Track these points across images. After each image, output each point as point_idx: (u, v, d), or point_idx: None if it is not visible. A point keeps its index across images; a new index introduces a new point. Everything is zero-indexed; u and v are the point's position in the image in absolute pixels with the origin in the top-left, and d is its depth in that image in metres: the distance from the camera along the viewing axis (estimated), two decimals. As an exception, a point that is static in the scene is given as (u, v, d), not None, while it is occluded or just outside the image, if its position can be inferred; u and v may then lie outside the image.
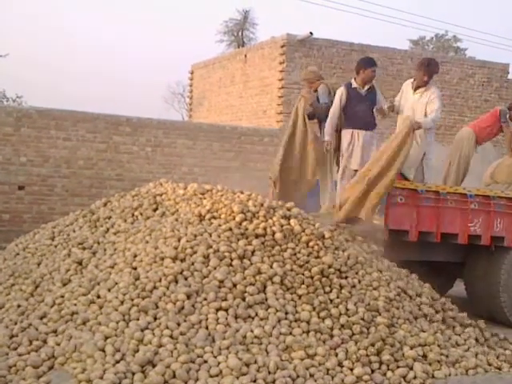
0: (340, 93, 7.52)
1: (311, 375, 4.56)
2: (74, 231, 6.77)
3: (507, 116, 8.59)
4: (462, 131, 9.01)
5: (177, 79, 45.86)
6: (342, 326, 5.14)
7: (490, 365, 5.33)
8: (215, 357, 4.48)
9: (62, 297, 5.30)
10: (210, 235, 5.73)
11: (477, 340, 5.72)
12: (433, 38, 42.67)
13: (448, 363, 5.09)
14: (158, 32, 63.55)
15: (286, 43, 12.82)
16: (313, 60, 12.96)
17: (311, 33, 12.72)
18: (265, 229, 5.86)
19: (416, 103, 7.42)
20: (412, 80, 7.64)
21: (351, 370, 4.71)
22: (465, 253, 7.41)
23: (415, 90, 7.52)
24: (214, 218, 6.05)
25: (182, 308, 4.90)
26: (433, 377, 4.89)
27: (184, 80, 26.82)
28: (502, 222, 7.06)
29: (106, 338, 4.60)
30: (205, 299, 5.03)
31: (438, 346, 5.26)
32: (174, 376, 4.25)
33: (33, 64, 52.55)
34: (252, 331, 4.81)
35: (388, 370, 4.82)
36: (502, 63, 15.23)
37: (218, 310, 4.96)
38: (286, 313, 5.12)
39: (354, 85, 7.56)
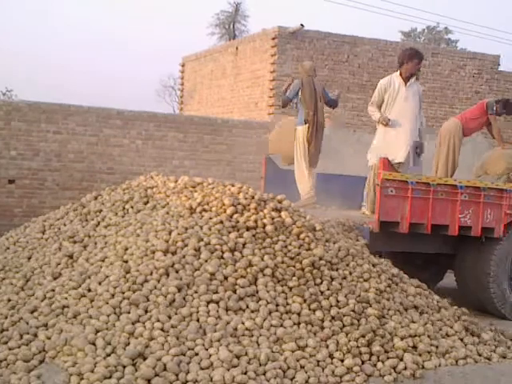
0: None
1: (302, 367, 4.58)
2: (65, 225, 6.76)
3: (494, 108, 8.63)
4: (448, 123, 9.05)
5: (168, 72, 45.77)
6: (333, 317, 5.15)
7: (479, 355, 5.36)
8: (206, 349, 4.49)
9: (53, 290, 5.29)
10: (201, 228, 5.73)
11: (466, 330, 5.74)
12: (424, 29, 42.77)
13: (438, 354, 5.12)
14: (150, 25, 63.36)
15: (277, 35, 12.82)
16: (304, 52, 12.95)
17: (302, 25, 12.71)
18: (256, 221, 5.87)
19: (409, 93, 7.51)
20: (397, 73, 7.66)
21: (342, 361, 4.73)
22: (455, 244, 7.44)
23: (406, 80, 7.57)
24: (205, 210, 6.05)
25: (173, 301, 4.91)
26: (423, 367, 4.92)
27: (175, 73, 26.74)
28: (492, 213, 7.09)
29: (97, 331, 4.60)
30: (196, 292, 5.03)
31: (428, 336, 5.28)
32: (165, 369, 4.26)
33: (20, 56, 52.27)
34: (243, 323, 4.83)
35: (378, 361, 4.84)
36: (493, 55, 15.26)
37: (208, 302, 4.96)
38: (277, 305, 5.13)
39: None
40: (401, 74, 7.69)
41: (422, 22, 39.94)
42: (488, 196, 7.07)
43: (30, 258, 6.21)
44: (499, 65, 15.30)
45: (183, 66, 17.59)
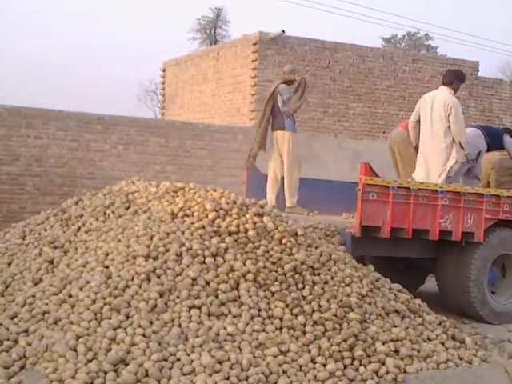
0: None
1: (284, 372, 4.57)
2: (45, 230, 6.71)
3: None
4: (393, 133, 9.11)
5: (149, 77, 45.65)
6: (315, 322, 5.16)
7: (461, 359, 5.39)
8: (188, 355, 4.48)
9: (33, 296, 5.25)
10: (183, 233, 5.71)
11: (446, 334, 5.77)
12: (405, 36, 43.12)
13: (420, 358, 5.15)
14: (131, 29, 63.19)
15: (258, 41, 12.82)
16: (285, 58, 12.97)
17: (283, 30, 12.73)
18: (238, 226, 5.87)
19: None
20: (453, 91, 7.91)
21: (324, 365, 4.73)
22: (436, 249, 7.48)
23: None
24: (187, 215, 6.04)
25: (155, 306, 4.89)
26: (405, 371, 4.94)
27: (157, 78, 26.68)
28: (472, 217, 7.13)
29: (78, 337, 4.56)
30: (177, 297, 5.01)
31: (410, 341, 5.31)
32: (147, 375, 4.23)
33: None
34: (225, 328, 4.82)
35: (360, 365, 4.85)
36: (472, 61, 15.40)
37: (190, 307, 4.95)
38: (259, 310, 5.13)
39: None
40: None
41: (403, 29, 40.29)
42: (468, 201, 7.12)
43: (10, 264, 6.15)
44: (478, 71, 15.45)
45: (164, 70, 17.54)
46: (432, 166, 7.83)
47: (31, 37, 58.67)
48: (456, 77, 8.07)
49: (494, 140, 8.62)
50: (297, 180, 8.37)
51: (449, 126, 7.72)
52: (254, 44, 12.89)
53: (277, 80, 8.79)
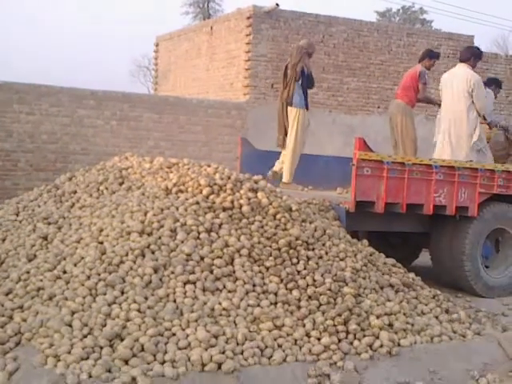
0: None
1: (279, 346, 4.60)
2: (39, 206, 6.69)
3: (426, 77, 8.76)
4: (391, 105, 9.11)
5: (142, 52, 45.28)
6: (310, 296, 5.18)
7: (454, 332, 5.43)
8: (183, 330, 4.49)
9: (28, 272, 5.24)
10: (177, 209, 5.70)
11: (440, 307, 5.80)
12: (399, 10, 42.88)
13: (413, 331, 5.18)
14: (124, 3, 62.56)
15: (252, 15, 12.70)
16: (279, 32, 12.87)
17: (277, 4, 12.61)
18: (232, 202, 5.86)
19: None
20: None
21: (318, 339, 4.76)
22: (430, 223, 7.51)
23: None
24: (181, 191, 6.03)
25: (150, 282, 4.89)
26: (399, 345, 4.97)
27: (150, 53, 26.46)
28: (466, 192, 7.15)
29: (73, 312, 4.56)
30: (172, 273, 5.02)
31: (404, 314, 5.34)
32: (143, 349, 4.25)
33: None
34: (220, 304, 4.83)
35: (355, 339, 4.89)
36: (468, 35, 15.32)
37: (185, 283, 4.95)
38: (254, 285, 5.14)
39: None
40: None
41: (397, 2, 40.02)
42: (462, 175, 7.12)
43: (4, 240, 6.14)
44: (473, 44, 15.37)
45: (157, 45, 17.39)
46: (458, 143, 7.87)
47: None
48: (472, 54, 8.09)
49: None
50: (297, 157, 8.32)
51: (472, 102, 7.75)
52: (248, 18, 12.77)
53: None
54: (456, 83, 7.86)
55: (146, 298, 4.72)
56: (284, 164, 8.32)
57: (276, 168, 8.38)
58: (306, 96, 8.36)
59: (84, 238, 5.58)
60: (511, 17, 60.91)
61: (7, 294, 5.00)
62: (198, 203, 5.77)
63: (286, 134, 8.38)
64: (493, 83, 9.46)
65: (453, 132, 7.90)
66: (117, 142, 11.21)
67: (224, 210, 5.77)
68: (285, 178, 8.25)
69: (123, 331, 4.38)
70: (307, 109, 8.35)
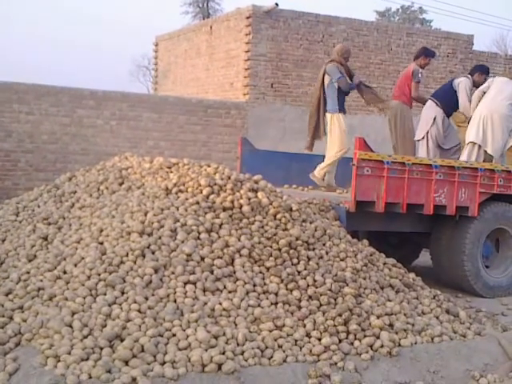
0: (468, 84, 8.66)
1: (279, 346, 4.59)
2: (39, 206, 6.68)
3: (419, 75, 8.78)
4: (391, 105, 9.12)
5: (142, 52, 45.27)
6: (310, 297, 5.17)
7: (455, 332, 5.42)
8: (184, 330, 4.48)
9: (28, 273, 5.23)
10: (177, 209, 5.70)
11: (440, 307, 5.80)
12: (399, 9, 42.84)
13: (414, 331, 5.17)
14: (124, 2, 62.55)
15: (251, 14, 12.69)
16: (279, 31, 12.87)
17: (277, 4, 12.60)
18: (232, 202, 5.85)
19: None
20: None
21: (319, 340, 4.75)
22: (430, 223, 7.50)
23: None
24: (181, 191, 6.02)
25: (150, 282, 4.88)
26: (399, 345, 4.96)
27: (149, 53, 26.45)
28: (466, 191, 7.14)
29: (73, 313, 4.55)
30: (172, 273, 5.01)
31: (404, 314, 5.33)
32: (143, 350, 4.24)
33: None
34: (220, 304, 4.82)
35: (355, 339, 4.87)
36: (467, 34, 15.31)
37: (186, 283, 4.94)
38: (254, 285, 5.14)
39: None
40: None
41: (397, 2, 39.96)
42: (462, 175, 7.12)
43: (4, 241, 6.13)
44: (473, 44, 15.36)
45: (157, 45, 17.37)
46: None
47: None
48: None
49: (445, 98, 8.73)
50: (333, 159, 8.23)
51: None
52: (248, 18, 12.76)
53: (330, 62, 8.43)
54: None
55: (147, 299, 4.71)
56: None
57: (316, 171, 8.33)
58: (342, 100, 8.32)
59: (84, 239, 5.57)
60: (511, 16, 60.93)
61: (7, 295, 4.98)
62: (198, 203, 5.76)
63: (314, 138, 8.35)
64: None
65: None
66: (116, 142, 11.21)
67: (224, 210, 5.77)
68: (316, 172, 8.27)
69: (123, 332, 4.37)
70: (344, 112, 8.31)
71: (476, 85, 8.63)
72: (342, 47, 8.62)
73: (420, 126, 8.75)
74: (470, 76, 8.83)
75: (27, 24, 55.51)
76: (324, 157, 8.31)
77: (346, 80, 8.33)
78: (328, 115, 8.26)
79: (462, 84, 8.64)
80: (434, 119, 8.57)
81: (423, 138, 8.63)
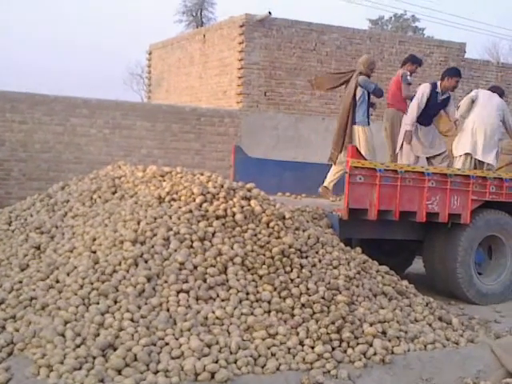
0: (425, 90, 8.32)
1: (273, 354, 4.60)
2: (32, 215, 6.67)
3: (408, 78, 8.91)
4: (384, 116, 9.21)
5: (135, 60, 45.31)
6: (303, 305, 5.18)
7: (448, 340, 5.43)
8: (177, 339, 4.48)
9: (20, 282, 5.22)
10: (170, 217, 5.70)
11: (433, 315, 5.81)
12: (391, 17, 42.94)
13: (407, 339, 5.18)
14: (117, 11, 62.56)
15: (244, 23, 12.73)
16: (272, 40, 12.91)
17: (270, 12, 12.65)
18: (225, 210, 5.86)
19: None
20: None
21: (312, 348, 4.75)
22: (423, 230, 7.52)
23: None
24: (174, 200, 6.02)
25: (143, 291, 4.88)
26: (392, 353, 4.97)
27: (142, 61, 26.48)
28: (458, 199, 7.17)
29: (66, 322, 4.55)
30: (165, 282, 5.01)
31: (397, 322, 5.34)
32: (136, 359, 4.23)
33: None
34: (213, 312, 4.82)
35: (348, 347, 4.88)
36: (459, 42, 15.38)
37: (178, 292, 4.94)
38: (247, 293, 5.14)
39: (438, 89, 8.37)
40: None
41: (389, 10, 40.15)
42: (455, 182, 7.15)
43: (-4, 250, 6.11)
44: (465, 52, 15.44)
45: (150, 53, 17.40)
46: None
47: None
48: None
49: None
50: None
51: None
52: (241, 26, 12.80)
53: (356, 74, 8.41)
54: None
55: (139, 308, 4.71)
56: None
57: (326, 183, 8.31)
58: (369, 114, 8.38)
59: (77, 248, 5.57)
60: (503, 24, 61.26)
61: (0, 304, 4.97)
62: (191, 212, 5.76)
63: (340, 151, 8.20)
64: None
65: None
66: (110, 151, 11.21)
67: (217, 218, 5.77)
68: (327, 184, 8.30)
69: (116, 341, 4.36)
70: (368, 124, 8.31)
71: (447, 89, 8.51)
72: (367, 59, 8.53)
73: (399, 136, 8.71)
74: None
75: (22, 30, 55.46)
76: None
77: (381, 88, 8.44)
78: (356, 127, 8.20)
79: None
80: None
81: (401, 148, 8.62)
